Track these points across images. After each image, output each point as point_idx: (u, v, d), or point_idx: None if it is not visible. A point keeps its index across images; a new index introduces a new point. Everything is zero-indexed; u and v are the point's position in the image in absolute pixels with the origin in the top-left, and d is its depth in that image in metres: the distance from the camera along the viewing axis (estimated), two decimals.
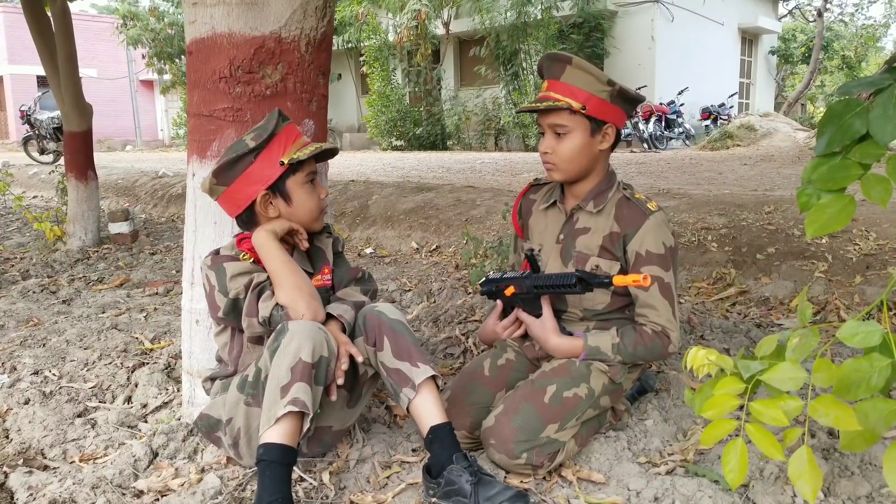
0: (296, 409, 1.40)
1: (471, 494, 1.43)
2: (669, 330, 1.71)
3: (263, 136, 1.56)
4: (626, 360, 1.72)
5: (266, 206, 1.60)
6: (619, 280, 1.60)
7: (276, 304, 1.53)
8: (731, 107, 14.13)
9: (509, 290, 1.79)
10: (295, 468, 1.63)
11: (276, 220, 1.62)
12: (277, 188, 1.60)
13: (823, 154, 1.24)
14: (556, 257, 1.84)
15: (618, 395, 1.81)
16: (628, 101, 1.74)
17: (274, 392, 1.42)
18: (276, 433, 1.41)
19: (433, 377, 1.58)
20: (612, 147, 1.79)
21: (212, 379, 1.73)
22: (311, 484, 1.61)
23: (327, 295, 1.72)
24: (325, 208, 1.71)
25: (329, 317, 1.61)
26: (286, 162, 1.57)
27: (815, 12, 17.26)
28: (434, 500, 1.50)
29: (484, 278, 1.89)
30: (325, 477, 1.63)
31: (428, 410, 1.56)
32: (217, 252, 1.65)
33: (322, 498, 1.57)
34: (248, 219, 1.63)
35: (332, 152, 1.70)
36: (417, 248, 4.47)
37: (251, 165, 1.57)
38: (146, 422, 2.00)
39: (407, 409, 1.59)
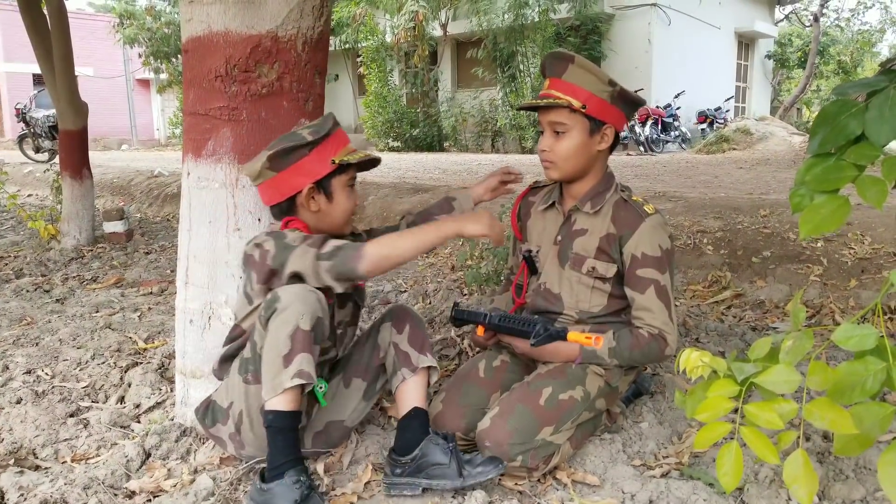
0: (303, 382, 1.43)
1: (450, 460, 1.50)
2: (666, 333, 1.70)
3: (321, 133, 1.60)
4: (623, 363, 1.72)
5: (309, 200, 1.63)
6: (572, 336, 1.66)
7: (344, 245, 1.51)
8: (727, 111, 14.14)
9: (480, 330, 1.85)
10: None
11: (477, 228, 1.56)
12: (322, 185, 1.63)
13: (816, 154, 1.24)
14: (553, 259, 1.83)
15: (613, 398, 1.81)
16: (629, 103, 1.75)
17: (275, 360, 1.43)
18: (282, 401, 1.45)
19: (431, 368, 1.68)
20: (611, 149, 1.79)
21: (225, 360, 1.69)
22: None
23: (356, 304, 1.78)
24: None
25: None
26: (337, 161, 1.61)
27: (811, 17, 17.33)
28: (398, 479, 1.55)
29: (454, 307, 1.91)
30: (320, 468, 1.63)
31: (416, 394, 1.66)
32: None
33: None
34: (286, 209, 1.65)
35: (375, 162, 1.74)
36: None
37: (304, 158, 1.60)
38: (139, 422, 1.99)
39: (396, 389, 1.67)
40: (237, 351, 1.65)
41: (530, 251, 1.88)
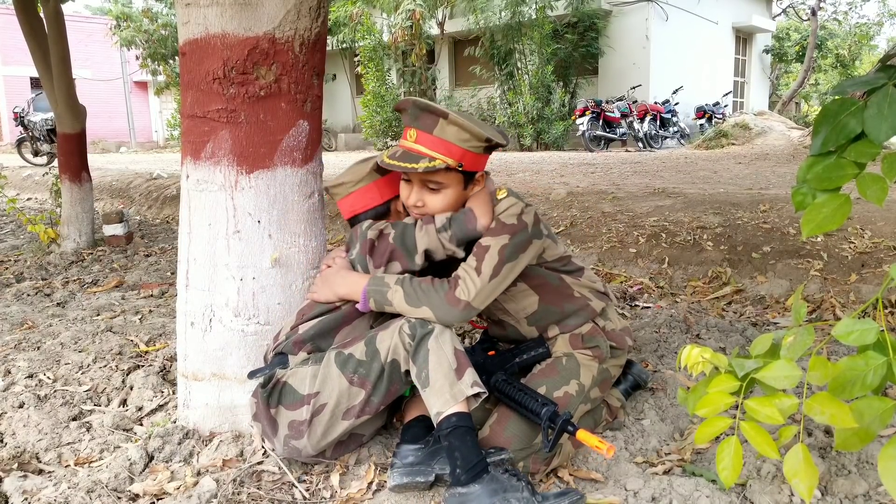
0: (481, 391, 1.51)
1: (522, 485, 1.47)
2: (460, 278, 1.60)
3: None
4: (408, 292, 1.59)
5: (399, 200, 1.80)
6: (582, 436, 1.52)
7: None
8: (725, 105, 14.16)
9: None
10: (292, 471, 1.63)
11: None
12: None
13: (819, 153, 1.25)
14: None
15: (607, 385, 1.81)
16: (496, 147, 1.69)
17: (448, 374, 1.51)
18: (462, 407, 1.50)
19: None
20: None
21: (306, 340, 1.69)
22: (310, 484, 1.61)
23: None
24: None
25: None
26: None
27: (808, 11, 17.32)
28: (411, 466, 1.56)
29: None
30: (325, 477, 1.63)
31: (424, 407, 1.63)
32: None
33: (320, 499, 1.57)
34: (382, 213, 1.79)
35: None
36: None
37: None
38: (142, 425, 1.99)
39: (406, 403, 1.67)
40: (329, 329, 1.68)
41: None
